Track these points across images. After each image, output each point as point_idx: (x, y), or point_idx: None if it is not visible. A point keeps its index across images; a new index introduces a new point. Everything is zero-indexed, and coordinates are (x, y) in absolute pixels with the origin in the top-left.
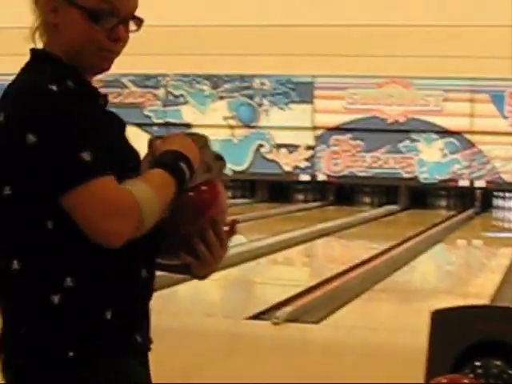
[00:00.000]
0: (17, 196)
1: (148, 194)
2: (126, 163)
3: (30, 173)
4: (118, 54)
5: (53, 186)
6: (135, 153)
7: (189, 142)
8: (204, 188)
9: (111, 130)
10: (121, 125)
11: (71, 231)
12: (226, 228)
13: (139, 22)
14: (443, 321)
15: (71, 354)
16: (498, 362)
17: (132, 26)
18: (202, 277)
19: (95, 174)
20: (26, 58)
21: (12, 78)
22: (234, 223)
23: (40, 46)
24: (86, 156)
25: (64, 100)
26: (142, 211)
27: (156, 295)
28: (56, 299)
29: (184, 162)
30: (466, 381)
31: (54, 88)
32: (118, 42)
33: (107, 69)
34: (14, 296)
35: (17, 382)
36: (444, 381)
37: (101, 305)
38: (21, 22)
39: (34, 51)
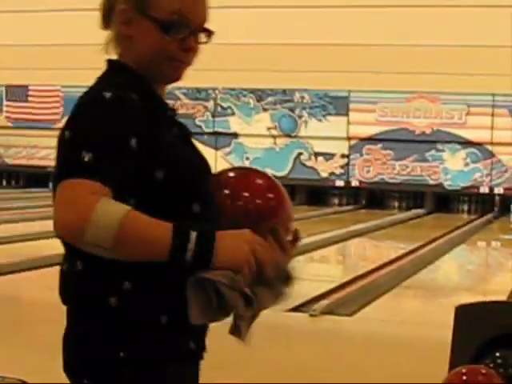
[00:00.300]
0: None
1: (110, 223)
2: (195, 171)
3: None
4: (189, 64)
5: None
6: (205, 161)
7: (243, 246)
8: (270, 195)
9: (173, 135)
10: (187, 134)
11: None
12: (289, 237)
13: (209, 33)
14: (466, 315)
15: (122, 354)
16: None
17: (202, 37)
18: None
19: (85, 174)
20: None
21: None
22: (297, 232)
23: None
24: (86, 156)
25: (110, 105)
26: (87, 226)
27: None
28: (113, 301)
29: (204, 249)
30: (483, 371)
31: (108, 95)
32: (188, 52)
33: (178, 78)
34: (76, 295)
35: (74, 379)
36: (464, 370)
37: (156, 309)
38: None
39: (109, 62)
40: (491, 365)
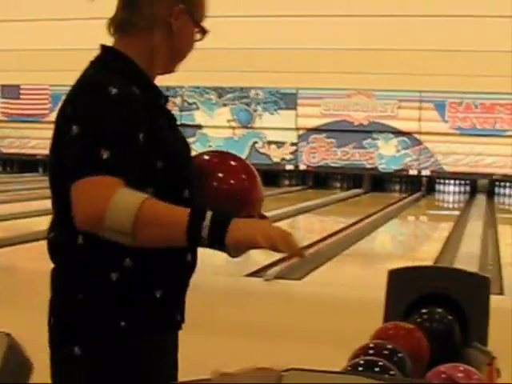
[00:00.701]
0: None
1: (127, 208)
2: (177, 153)
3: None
4: None
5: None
6: (187, 146)
7: (264, 227)
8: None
9: (165, 125)
10: (174, 121)
11: None
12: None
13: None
14: (397, 278)
15: (123, 323)
16: (440, 310)
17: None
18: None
19: (104, 171)
20: None
21: None
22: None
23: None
24: (104, 154)
25: (118, 102)
26: (106, 216)
27: None
28: (114, 276)
29: (220, 231)
30: (406, 326)
31: (114, 91)
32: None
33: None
34: (75, 267)
35: (61, 347)
36: (389, 326)
37: (152, 285)
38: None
39: (106, 48)
40: (418, 320)
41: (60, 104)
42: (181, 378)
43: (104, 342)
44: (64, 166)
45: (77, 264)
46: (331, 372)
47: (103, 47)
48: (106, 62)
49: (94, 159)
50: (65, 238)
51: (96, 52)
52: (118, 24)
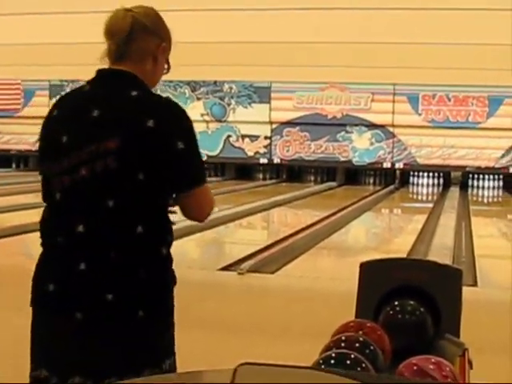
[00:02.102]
0: (148, 182)
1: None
2: None
3: (167, 169)
4: None
5: (179, 183)
6: None
7: None
8: None
9: None
10: None
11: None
12: None
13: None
14: (369, 270)
15: (171, 287)
16: (412, 302)
17: None
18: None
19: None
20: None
21: None
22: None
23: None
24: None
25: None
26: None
27: None
28: (164, 251)
29: None
30: (368, 324)
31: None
32: None
33: None
34: (135, 249)
35: (125, 311)
36: (352, 324)
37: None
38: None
39: (125, 72)
40: (390, 312)
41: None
42: None
43: (160, 304)
44: (154, 166)
45: (137, 247)
46: (286, 366)
47: (122, 70)
48: (141, 83)
49: (204, 171)
50: (126, 228)
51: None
52: (117, 54)
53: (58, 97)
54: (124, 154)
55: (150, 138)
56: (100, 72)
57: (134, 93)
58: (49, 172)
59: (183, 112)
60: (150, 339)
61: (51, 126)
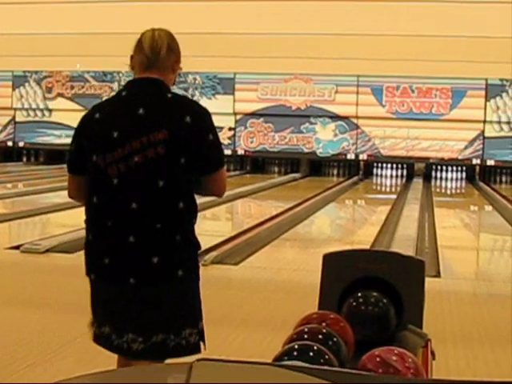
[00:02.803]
0: (187, 164)
1: None
2: None
3: (201, 155)
4: None
5: (209, 166)
6: None
7: None
8: None
9: None
10: None
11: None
12: None
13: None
14: (332, 262)
15: (198, 250)
16: (375, 294)
17: None
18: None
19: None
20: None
21: None
22: None
23: None
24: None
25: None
26: None
27: None
28: (193, 221)
29: None
30: (331, 316)
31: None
32: None
33: None
34: (176, 221)
35: (167, 271)
36: (315, 315)
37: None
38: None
39: (156, 79)
40: (353, 303)
41: None
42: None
43: (194, 263)
44: (193, 162)
45: (177, 219)
46: (242, 362)
47: (153, 77)
48: (168, 88)
49: (224, 156)
50: (171, 204)
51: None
52: (147, 65)
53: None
54: (170, 143)
55: (188, 131)
56: (134, 80)
57: (169, 95)
58: (103, 163)
59: (207, 110)
60: (189, 298)
61: (96, 126)
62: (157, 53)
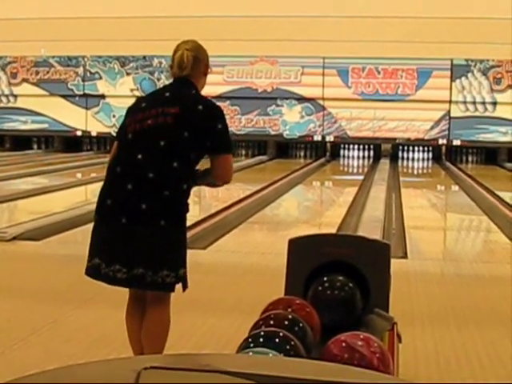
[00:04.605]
0: (189, 138)
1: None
2: None
3: (210, 140)
4: None
5: (217, 147)
6: None
7: None
8: None
9: None
10: None
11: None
12: None
13: None
14: (298, 246)
15: (184, 212)
16: (341, 278)
17: None
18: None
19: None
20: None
21: None
22: None
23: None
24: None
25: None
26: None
27: None
28: (185, 186)
29: None
30: (297, 301)
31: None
32: None
33: None
34: (168, 177)
35: (152, 221)
36: (281, 301)
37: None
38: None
39: (192, 83)
40: (319, 288)
41: None
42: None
43: (178, 219)
44: (202, 142)
45: (169, 175)
46: (191, 370)
47: (188, 80)
48: (197, 89)
49: (232, 145)
50: (167, 161)
51: None
52: (184, 72)
53: None
54: (179, 117)
55: (199, 116)
56: (175, 79)
57: (193, 91)
58: (128, 122)
59: (221, 109)
60: (169, 246)
61: (137, 102)
62: (184, 70)
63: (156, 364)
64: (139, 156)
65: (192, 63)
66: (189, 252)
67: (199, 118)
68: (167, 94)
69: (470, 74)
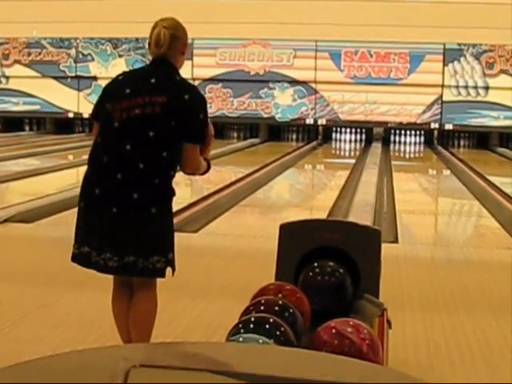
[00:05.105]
0: (176, 127)
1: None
2: None
3: (190, 128)
4: None
5: (195, 136)
6: None
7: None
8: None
9: None
10: None
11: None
12: None
13: None
14: (289, 232)
15: (172, 196)
16: (331, 263)
17: None
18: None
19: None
20: None
21: None
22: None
23: None
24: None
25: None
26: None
27: None
28: (172, 173)
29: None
30: (288, 287)
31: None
32: None
33: None
34: (157, 166)
35: (142, 210)
36: (272, 287)
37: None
38: None
39: (171, 65)
40: (310, 273)
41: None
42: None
43: (167, 205)
44: (182, 129)
45: (159, 165)
46: (181, 368)
47: (167, 60)
48: (178, 72)
49: (204, 139)
50: (157, 151)
51: None
52: (162, 50)
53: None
54: (166, 106)
55: (185, 105)
56: (153, 59)
57: (178, 78)
58: (112, 108)
59: (205, 98)
60: (159, 232)
61: (117, 83)
62: (161, 47)
63: (143, 355)
64: (128, 147)
65: (169, 41)
66: (180, 235)
67: (185, 108)
68: (153, 81)
69: (462, 59)
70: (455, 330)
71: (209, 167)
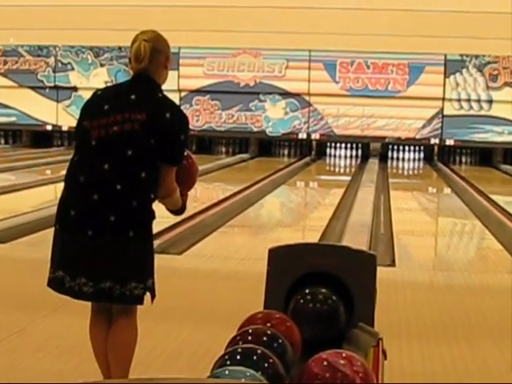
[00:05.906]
0: (155, 146)
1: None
2: None
3: (170, 148)
4: None
5: (172, 157)
6: None
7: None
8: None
9: None
10: None
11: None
12: None
13: None
14: (279, 256)
15: (151, 219)
16: (324, 290)
17: None
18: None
19: None
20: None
21: None
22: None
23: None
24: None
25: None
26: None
27: None
28: (152, 195)
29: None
30: (277, 315)
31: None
32: None
33: None
34: (136, 188)
35: (121, 233)
36: (260, 315)
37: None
38: None
39: (151, 78)
40: (301, 301)
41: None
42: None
43: (146, 228)
44: (161, 149)
45: (137, 186)
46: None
47: (148, 75)
48: (160, 88)
49: (181, 160)
50: (135, 171)
51: None
52: (142, 65)
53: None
54: (146, 124)
55: (165, 123)
56: (134, 75)
57: (160, 95)
58: (90, 125)
59: (187, 118)
60: (138, 257)
61: (96, 99)
62: (141, 62)
63: None
64: (105, 166)
65: (150, 55)
66: (164, 257)
67: (166, 127)
68: (132, 97)
69: (464, 70)
70: (454, 359)
71: (183, 208)
